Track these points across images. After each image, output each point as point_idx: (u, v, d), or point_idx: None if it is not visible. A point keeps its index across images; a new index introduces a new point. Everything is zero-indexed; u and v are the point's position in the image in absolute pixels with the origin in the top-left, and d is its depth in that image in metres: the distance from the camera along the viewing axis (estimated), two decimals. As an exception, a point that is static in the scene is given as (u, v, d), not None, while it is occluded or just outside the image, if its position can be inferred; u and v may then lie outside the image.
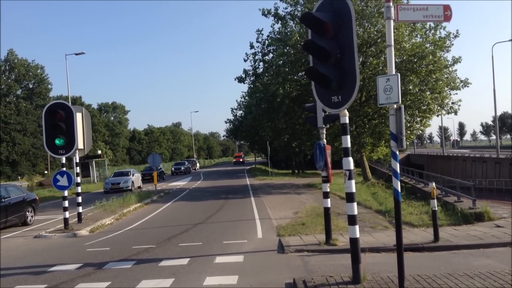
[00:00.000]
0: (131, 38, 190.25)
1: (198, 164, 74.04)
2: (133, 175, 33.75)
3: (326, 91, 7.00)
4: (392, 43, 6.56)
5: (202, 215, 16.95)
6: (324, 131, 10.26)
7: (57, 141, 14.44)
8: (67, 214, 14.51)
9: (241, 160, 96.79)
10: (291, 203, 19.14)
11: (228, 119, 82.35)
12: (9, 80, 78.52)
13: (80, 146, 15.18)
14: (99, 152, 51.96)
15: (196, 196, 25.08)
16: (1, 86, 77.04)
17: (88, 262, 9.68)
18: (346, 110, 6.94)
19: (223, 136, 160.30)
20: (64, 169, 14.93)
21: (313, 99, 12.86)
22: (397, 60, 22.95)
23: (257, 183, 32.89)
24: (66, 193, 14.84)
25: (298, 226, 12.42)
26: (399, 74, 6.46)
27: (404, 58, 23.71)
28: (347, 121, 7.01)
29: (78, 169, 15.62)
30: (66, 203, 14.60)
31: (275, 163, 59.28)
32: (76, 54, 37.51)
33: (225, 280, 7.72)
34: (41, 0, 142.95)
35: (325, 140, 10.13)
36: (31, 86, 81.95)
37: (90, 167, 44.03)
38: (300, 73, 26.05)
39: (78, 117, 15.07)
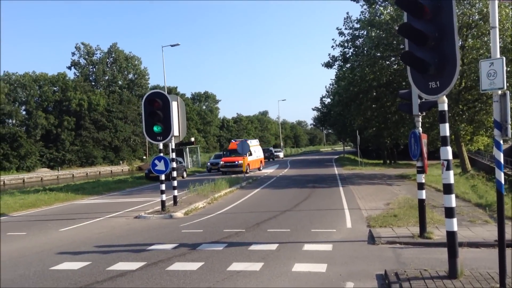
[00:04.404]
0: (222, 30, 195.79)
1: (282, 153, 72.45)
2: None
3: (423, 76, 6.69)
4: (497, 24, 6.11)
5: (290, 202, 17.09)
6: (420, 119, 9.80)
7: (155, 128, 15.28)
8: (164, 197, 15.41)
9: (236, 163, 34.19)
10: (382, 194, 18.60)
11: (315, 107, 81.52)
12: (113, 71, 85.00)
13: (176, 133, 15.93)
14: (192, 139, 54.05)
15: (283, 184, 25.32)
16: (104, 77, 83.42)
17: (183, 243, 10.24)
18: (444, 96, 6.58)
19: (310, 125, 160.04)
20: (162, 154, 15.80)
21: (405, 86, 12.39)
22: (501, 44, 21.11)
23: (346, 173, 32.34)
24: (163, 177, 15.73)
25: (390, 217, 12.05)
26: (504, 58, 6.00)
27: (509, 40, 21.73)
28: (446, 108, 6.65)
29: (173, 155, 16.40)
30: (163, 187, 15.50)
31: (365, 152, 57.76)
32: (172, 46, 39.04)
33: (314, 267, 7.76)
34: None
35: (420, 129, 9.70)
36: (130, 76, 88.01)
37: (184, 153, 46.08)
38: (392, 58, 24.97)
39: (174, 105, 15.80)
